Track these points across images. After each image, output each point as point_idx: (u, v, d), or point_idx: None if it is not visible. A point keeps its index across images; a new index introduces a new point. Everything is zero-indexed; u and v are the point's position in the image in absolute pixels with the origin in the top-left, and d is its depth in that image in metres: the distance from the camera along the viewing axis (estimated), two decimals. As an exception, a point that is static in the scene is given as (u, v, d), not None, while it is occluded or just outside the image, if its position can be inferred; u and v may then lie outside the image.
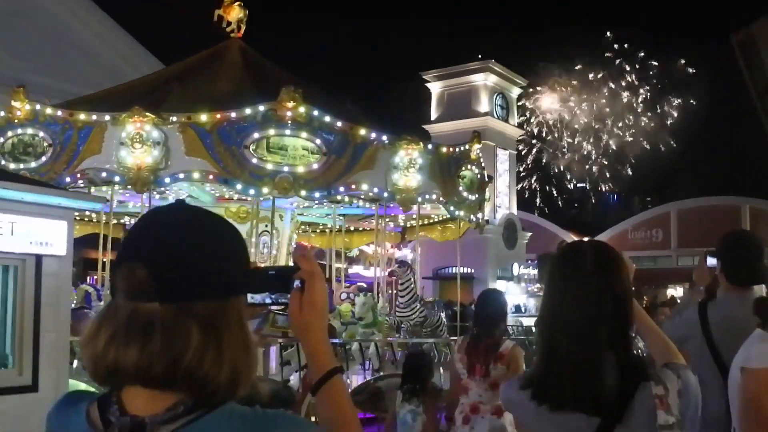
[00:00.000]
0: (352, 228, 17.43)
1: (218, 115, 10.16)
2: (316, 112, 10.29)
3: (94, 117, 10.65)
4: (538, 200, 51.57)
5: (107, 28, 24.08)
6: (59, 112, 10.84)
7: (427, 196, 12.19)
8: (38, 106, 10.99)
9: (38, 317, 6.89)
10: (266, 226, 12.57)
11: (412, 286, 14.03)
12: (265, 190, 10.35)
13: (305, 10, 61.08)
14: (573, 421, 2.14)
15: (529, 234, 32.26)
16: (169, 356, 1.33)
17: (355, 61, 62.97)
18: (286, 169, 10.21)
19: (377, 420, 9.35)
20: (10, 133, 10.88)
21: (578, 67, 49.29)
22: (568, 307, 2.22)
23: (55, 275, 6.96)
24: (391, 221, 15.66)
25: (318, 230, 17.86)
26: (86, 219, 13.57)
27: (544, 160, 51.50)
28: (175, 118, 10.23)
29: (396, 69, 61.71)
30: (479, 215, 14.54)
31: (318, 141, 10.39)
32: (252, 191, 10.67)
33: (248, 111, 10.13)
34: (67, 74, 20.10)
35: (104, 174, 10.39)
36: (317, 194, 10.99)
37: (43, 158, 10.64)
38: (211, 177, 10.40)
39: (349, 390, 9.88)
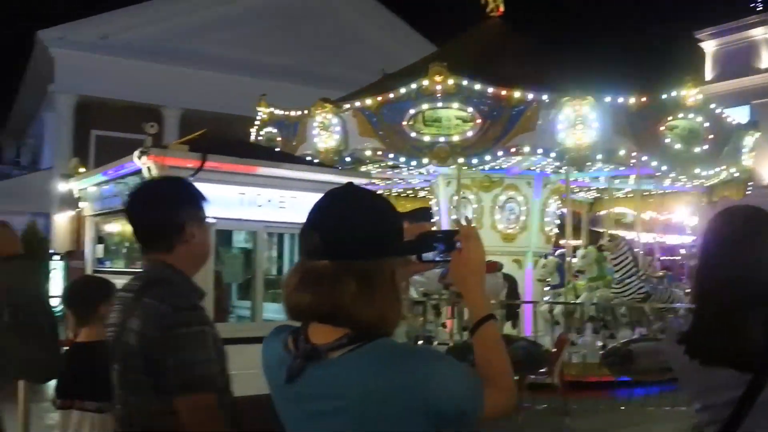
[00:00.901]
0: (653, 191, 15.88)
1: (379, 98, 11.31)
2: (465, 82, 10.73)
3: (300, 112, 12.82)
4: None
5: (384, 18, 26.68)
6: (292, 112, 13.20)
7: (610, 153, 11.54)
8: (276, 111, 13.39)
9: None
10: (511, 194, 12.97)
11: (627, 261, 12.94)
12: (425, 160, 11.22)
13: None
14: (724, 376, 2.17)
15: (823, 194, 29.28)
16: (332, 300, 1.67)
17: (622, 26, 60.24)
18: (442, 139, 10.85)
19: (631, 384, 9.57)
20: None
21: None
22: (716, 266, 2.28)
23: (329, 242, 8.50)
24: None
25: (615, 196, 17.01)
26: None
27: None
28: (348, 105, 11.69)
29: (666, 30, 58.01)
30: (731, 170, 13.14)
31: (470, 109, 10.83)
32: (414, 163, 11.58)
33: (403, 90, 11.04)
34: (351, 63, 22.73)
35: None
36: (475, 160, 11.34)
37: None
38: (379, 153, 11.56)
39: (601, 353, 10.52)
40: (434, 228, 12.46)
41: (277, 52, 23.36)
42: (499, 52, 12.73)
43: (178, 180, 2.71)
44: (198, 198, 2.62)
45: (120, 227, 7.77)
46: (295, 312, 1.76)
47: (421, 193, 15.78)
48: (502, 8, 14.34)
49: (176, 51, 22.45)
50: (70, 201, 17.34)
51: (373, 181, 13.91)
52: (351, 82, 15.80)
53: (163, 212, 2.53)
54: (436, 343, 10.70)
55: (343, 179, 7.77)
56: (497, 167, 12.27)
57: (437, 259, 1.92)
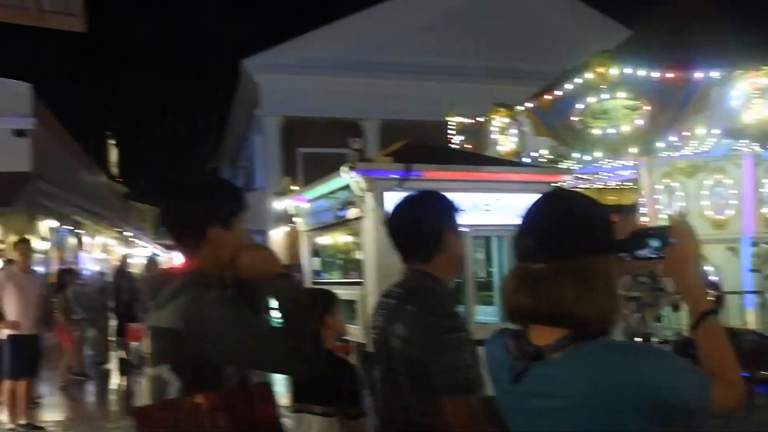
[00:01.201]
0: None
1: (548, 96, 11.08)
2: (628, 70, 10.14)
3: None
4: None
5: (574, 7, 26.07)
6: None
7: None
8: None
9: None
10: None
11: None
12: (598, 154, 10.85)
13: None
14: None
15: None
16: (552, 301, 1.73)
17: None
18: (612, 131, 10.33)
19: None
20: None
21: None
22: None
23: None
24: None
25: None
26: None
27: None
28: (521, 108, 11.59)
29: None
30: None
31: (638, 97, 10.21)
32: (588, 157, 11.18)
33: (569, 86, 10.66)
34: (545, 57, 22.09)
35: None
36: (649, 148, 10.72)
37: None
38: (555, 151, 11.29)
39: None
40: (640, 219, 12.09)
41: (467, 54, 23.45)
42: (691, 31, 11.99)
43: (434, 193, 2.87)
44: (453, 209, 2.79)
45: (332, 240, 8.15)
46: (516, 314, 1.85)
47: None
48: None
49: (370, 64, 23.08)
50: (284, 217, 18.33)
51: (577, 176, 13.76)
52: (543, 76, 15.54)
53: (422, 224, 2.72)
54: (655, 339, 10.32)
55: (545, 178, 7.74)
56: (698, 151, 11.61)
57: (651, 255, 1.92)
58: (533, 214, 1.88)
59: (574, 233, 1.79)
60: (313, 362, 2.36)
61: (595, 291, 1.75)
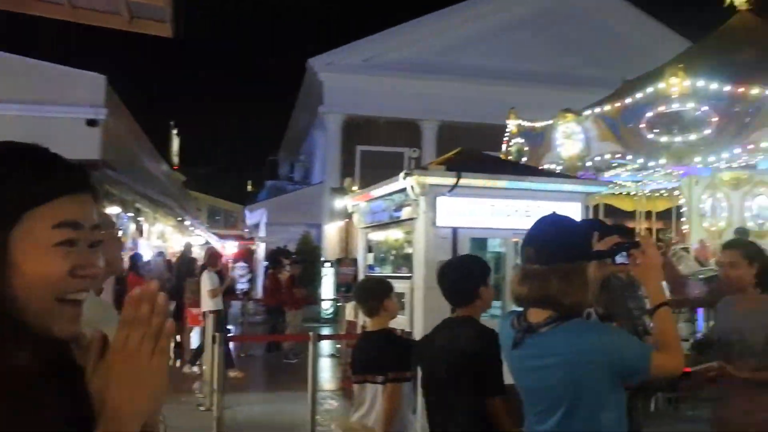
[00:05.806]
0: None
1: (618, 104, 11.43)
2: (701, 83, 10.44)
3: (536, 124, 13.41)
4: None
5: (636, 18, 26.35)
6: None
7: None
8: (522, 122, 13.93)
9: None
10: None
11: None
12: (662, 161, 11.20)
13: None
14: None
15: None
16: (542, 292, 2.45)
17: None
18: (678, 139, 10.65)
19: None
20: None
21: None
22: None
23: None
24: None
25: None
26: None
27: None
28: (589, 112, 12.00)
29: None
30: None
31: (705, 108, 10.47)
32: (651, 163, 11.68)
33: (640, 95, 11.00)
34: (605, 63, 22.48)
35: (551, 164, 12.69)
36: (711, 158, 11.23)
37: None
38: (617, 156, 11.81)
39: None
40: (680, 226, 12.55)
41: (529, 59, 23.61)
42: (749, 47, 12.28)
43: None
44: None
45: (385, 237, 8.77)
46: (518, 300, 2.60)
47: (675, 193, 15.51)
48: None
49: (432, 66, 23.44)
50: (339, 213, 18.83)
51: (621, 183, 14.24)
52: (603, 83, 15.84)
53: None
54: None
55: (582, 188, 8.22)
56: (743, 164, 11.94)
57: (626, 262, 2.71)
58: (533, 231, 2.60)
59: (561, 246, 2.49)
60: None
61: (573, 286, 2.45)
